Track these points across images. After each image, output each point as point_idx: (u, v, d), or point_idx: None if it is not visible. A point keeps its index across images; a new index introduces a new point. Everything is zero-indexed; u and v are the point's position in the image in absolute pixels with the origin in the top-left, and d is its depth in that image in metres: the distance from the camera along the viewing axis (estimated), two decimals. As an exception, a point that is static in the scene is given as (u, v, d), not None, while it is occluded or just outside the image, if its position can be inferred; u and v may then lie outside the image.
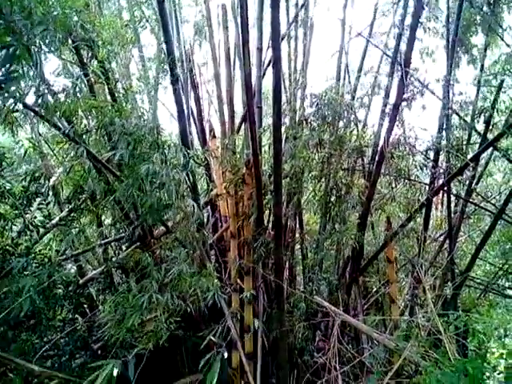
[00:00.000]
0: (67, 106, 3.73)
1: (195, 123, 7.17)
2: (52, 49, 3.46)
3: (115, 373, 3.79)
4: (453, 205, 6.94)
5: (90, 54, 5.18)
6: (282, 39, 6.39)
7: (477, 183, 7.16)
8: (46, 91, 4.13)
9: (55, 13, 3.25)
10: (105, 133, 4.32)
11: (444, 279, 6.55)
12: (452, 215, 6.68)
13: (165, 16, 5.27)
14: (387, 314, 5.99)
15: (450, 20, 6.29)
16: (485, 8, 6.96)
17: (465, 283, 6.80)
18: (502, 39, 6.65)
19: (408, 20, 6.03)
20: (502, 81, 6.10)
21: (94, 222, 5.79)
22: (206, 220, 6.72)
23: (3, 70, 2.92)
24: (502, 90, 6.35)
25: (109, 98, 5.19)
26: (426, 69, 7.03)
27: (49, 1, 3.78)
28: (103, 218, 6.20)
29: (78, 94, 4.28)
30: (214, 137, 6.82)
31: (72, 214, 5.38)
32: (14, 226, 5.02)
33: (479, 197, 7.63)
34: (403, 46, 5.71)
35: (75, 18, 4.48)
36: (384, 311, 6.31)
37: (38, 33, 2.95)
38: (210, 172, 6.93)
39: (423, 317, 4.77)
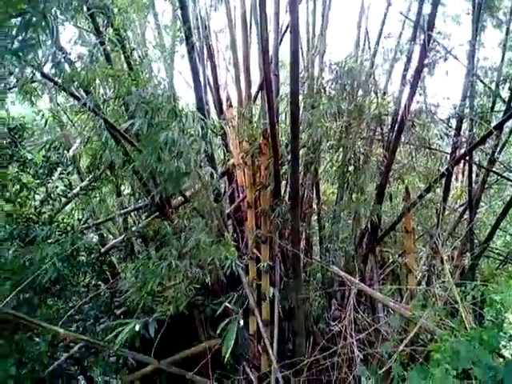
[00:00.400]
0: (84, 74, 3.71)
1: (211, 92, 7.09)
2: (68, 16, 3.41)
3: (137, 328, 3.94)
4: (474, 175, 6.80)
5: (105, 22, 5.12)
6: (300, 2, 6.18)
7: (500, 152, 6.95)
8: (63, 60, 4.12)
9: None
10: (122, 102, 4.32)
11: (462, 250, 6.50)
12: (473, 185, 6.55)
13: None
14: (404, 283, 6.01)
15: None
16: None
17: (484, 254, 6.74)
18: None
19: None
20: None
21: (113, 191, 5.88)
22: (223, 190, 6.75)
23: (19, 38, 2.91)
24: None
25: (125, 66, 5.16)
26: (449, 33, 6.81)
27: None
28: (122, 188, 6.29)
29: (95, 63, 4.27)
30: (231, 106, 6.75)
31: (92, 184, 5.47)
32: (36, 196, 5.14)
33: (502, 166, 7.43)
34: (426, 10, 5.47)
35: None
36: (400, 281, 6.33)
37: (53, 0, 2.91)
38: (226, 142, 6.90)
39: (440, 287, 4.78)
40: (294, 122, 5.00)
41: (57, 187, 5.18)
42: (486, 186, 7.09)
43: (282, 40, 6.34)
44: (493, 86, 6.49)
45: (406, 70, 5.91)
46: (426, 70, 5.93)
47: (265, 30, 4.99)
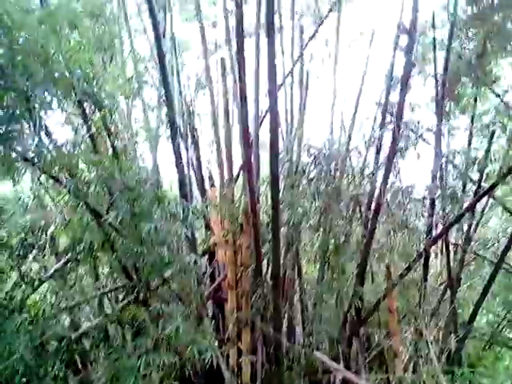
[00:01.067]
0: (68, 160, 3.77)
1: (194, 171, 7.25)
2: (53, 107, 3.55)
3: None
4: (452, 252, 6.92)
5: (92, 106, 5.32)
6: (279, 89, 6.58)
7: (474, 231, 7.16)
8: (47, 143, 4.20)
9: (57, 74, 3.35)
10: (105, 185, 4.36)
11: (447, 330, 6.41)
12: (451, 264, 6.64)
13: (165, 71, 5.48)
14: (390, 368, 5.80)
15: (438, 72, 6.43)
16: (473, 60, 7.12)
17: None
18: (493, 91, 6.84)
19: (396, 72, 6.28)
20: (493, 132, 6.26)
21: (90, 272, 5.70)
22: (203, 269, 6.64)
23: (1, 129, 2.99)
24: (495, 137, 6.53)
25: (110, 149, 5.27)
26: (418, 119, 7.30)
27: (52, 61, 3.91)
28: (100, 267, 6.11)
29: (79, 147, 4.37)
30: (213, 185, 6.88)
31: (69, 265, 5.32)
32: (8, 278, 4.94)
33: (478, 244, 7.62)
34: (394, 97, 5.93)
35: (78, 72, 4.62)
36: (387, 366, 6.11)
37: (40, 94, 3.04)
38: (208, 220, 6.92)
39: (427, 373, 4.63)
40: (274, 202, 5.13)
41: (31, 270, 5.01)
42: (465, 263, 7.20)
43: (262, 123, 6.64)
44: (463, 168, 6.86)
45: (378, 153, 6.25)
46: (398, 153, 6.28)
47: (245, 118, 5.28)
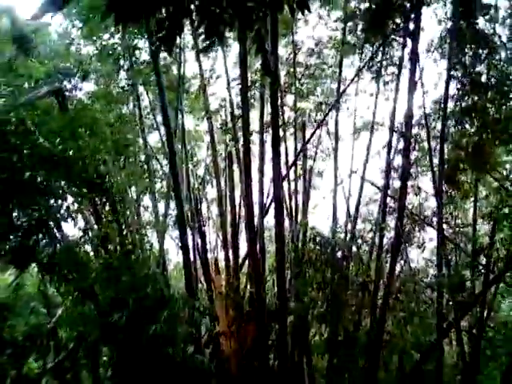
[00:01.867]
0: (75, 260, 3.86)
1: (200, 258, 7.26)
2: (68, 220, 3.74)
3: None
4: (466, 340, 6.63)
5: (103, 201, 5.51)
6: (283, 180, 6.80)
7: (487, 318, 6.91)
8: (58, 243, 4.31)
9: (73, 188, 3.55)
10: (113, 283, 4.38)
11: None
12: (466, 352, 6.34)
13: (174, 164, 5.77)
14: None
15: (436, 161, 6.55)
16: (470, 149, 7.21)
17: None
18: (493, 177, 6.95)
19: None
20: (495, 220, 6.30)
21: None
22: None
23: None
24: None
25: (119, 239, 5.35)
26: (421, 203, 7.42)
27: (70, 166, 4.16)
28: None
29: (89, 244, 4.49)
30: (219, 273, 6.87)
31: (68, 361, 5.16)
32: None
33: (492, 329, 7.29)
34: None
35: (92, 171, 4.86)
36: None
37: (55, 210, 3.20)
38: (213, 308, 6.79)
39: None
40: (280, 292, 5.09)
41: (29, 369, 4.86)
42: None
43: (267, 212, 6.76)
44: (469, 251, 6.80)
45: (382, 239, 6.24)
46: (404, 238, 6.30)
47: (251, 207, 5.46)
